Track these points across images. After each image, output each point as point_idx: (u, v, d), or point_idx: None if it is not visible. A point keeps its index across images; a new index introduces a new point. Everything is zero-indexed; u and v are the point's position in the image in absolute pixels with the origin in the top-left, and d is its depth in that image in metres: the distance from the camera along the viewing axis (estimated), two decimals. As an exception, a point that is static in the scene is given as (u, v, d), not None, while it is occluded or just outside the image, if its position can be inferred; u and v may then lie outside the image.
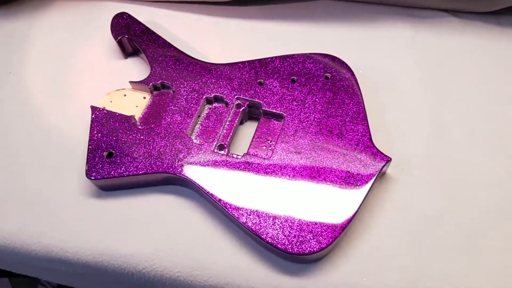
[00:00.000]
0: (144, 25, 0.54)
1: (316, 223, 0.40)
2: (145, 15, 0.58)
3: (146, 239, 0.44)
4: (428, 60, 0.51)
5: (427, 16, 0.55)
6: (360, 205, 0.40)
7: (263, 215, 0.41)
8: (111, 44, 0.55)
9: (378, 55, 0.53)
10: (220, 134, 0.46)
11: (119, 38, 0.53)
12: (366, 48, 0.53)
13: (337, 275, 0.41)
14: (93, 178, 0.44)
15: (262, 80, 0.48)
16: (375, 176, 0.42)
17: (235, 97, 0.48)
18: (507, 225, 0.41)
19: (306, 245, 0.39)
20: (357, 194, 0.41)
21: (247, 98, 0.48)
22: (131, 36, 0.53)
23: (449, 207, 0.42)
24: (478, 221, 0.41)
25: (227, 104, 0.48)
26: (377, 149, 0.43)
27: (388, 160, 0.43)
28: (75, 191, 0.47)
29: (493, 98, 0.48)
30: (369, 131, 0.44)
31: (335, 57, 0.49)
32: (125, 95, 0.50)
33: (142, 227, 0.44)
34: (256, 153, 0.45)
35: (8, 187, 0.48)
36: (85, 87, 0.54)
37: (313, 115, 0.46)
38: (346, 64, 0.48)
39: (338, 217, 0.40)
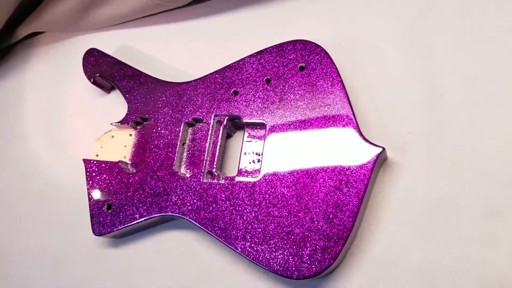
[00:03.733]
0: (113, 58, 0.52)
1: (315, 241, 0.38)
2: (118, 39, 0.57)
3: (158, 278, 0.45)
4: (412, 13, 0.43)
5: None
6: (358, 211, 0.37)
7: (259, 241, 0.39)
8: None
9: (357, 22, 0.46)
10: (207, 159, 0.45)
11: (92, 79, 0.52)
12: (343, 18, 0.47)
13: (354, 283, 0.39)
14: (99, 234, 0.45)
15: (236, 89, 0.45)
16: (369, 176, 0.38)
17: (213, 115, 0.45)
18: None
19: (308, 267, 0.37)
20: (353, 201, 0.38)
21: (224, 113, 0.45)
22: (102, 73, 0.52)
23: (459, 188, 0.37)
24: (493, 199, 0.36)
25: (207, 123, 0.46)
26: (366, 140, 0.39)
27: (380, 151, 0.38)
28: (91, 242, 0.49)
29: (495, 44, 0.40)
30: (356, 122, 0.40)
31: (307, 42, 0.44)
32: (112, 137, 0.50)
33: (153, 267, 0.46)
34: (244, 171, 0.43)
35: (33, 246, 0.52)
36: (78, 132, 0.55)
37: (294, 116, 0.42)
38: (320, 48, 0.43)
39: (337, 231, 0.37)
